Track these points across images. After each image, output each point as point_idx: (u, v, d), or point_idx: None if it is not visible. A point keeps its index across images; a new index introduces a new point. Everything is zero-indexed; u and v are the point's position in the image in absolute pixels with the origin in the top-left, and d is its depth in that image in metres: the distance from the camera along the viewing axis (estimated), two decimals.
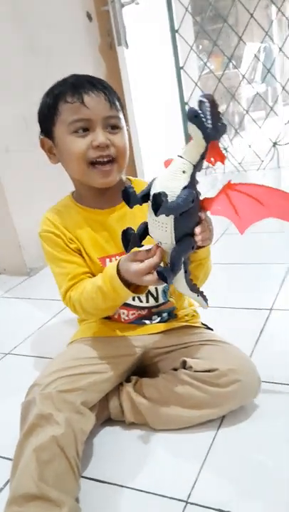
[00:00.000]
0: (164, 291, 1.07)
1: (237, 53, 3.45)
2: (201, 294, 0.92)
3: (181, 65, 3.12)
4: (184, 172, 0.76)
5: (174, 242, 0.80)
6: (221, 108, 3.70)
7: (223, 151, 0.78)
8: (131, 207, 0.81)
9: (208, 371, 0.94)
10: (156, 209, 0.74)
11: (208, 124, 0.72)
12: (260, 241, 2.01)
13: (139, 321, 1.08)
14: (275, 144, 3.10)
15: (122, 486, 0.87)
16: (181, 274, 0.85)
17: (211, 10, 3.12)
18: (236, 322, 1.35)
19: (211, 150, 0.76)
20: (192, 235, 0.81)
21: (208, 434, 0.95)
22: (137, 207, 1.04)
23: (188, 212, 0.78)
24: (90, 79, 1.00)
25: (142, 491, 0.85)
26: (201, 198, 0.82)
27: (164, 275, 0.81)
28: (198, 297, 0.91)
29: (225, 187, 0.80)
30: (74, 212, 1.06)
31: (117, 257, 1.02)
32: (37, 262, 2.07)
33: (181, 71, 3.13)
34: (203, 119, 0.72)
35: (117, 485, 0.87)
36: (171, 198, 0.75)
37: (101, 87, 0.98)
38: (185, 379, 0.95)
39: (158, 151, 2.70)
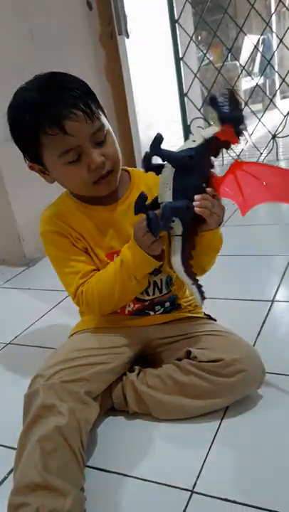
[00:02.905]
0: (167, 282, 1.06)
1: (235, 45, 3.43)
2: (196, 283, 0.93)
3: (180, 55, 3.10)
4: (194, 141, 0.85)
5: (172, 200, 0.86)
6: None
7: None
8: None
9: (213, 361, 0.94)
10: (151, 147, 0.82)
11: (224, 108, 0.84)
12: (259, 233, 2.02)
13: (142, 312, 1.08)
14: (274, 136, 3.09)
15: (126, 476, 0.87)
16: (177, 251, 0.89)
17: (211, 0, 3.09)
18: (238, 314, 1.35)
19: (226, 133, 0.85)
20: (191, 200, 0.87)
21: (212, 424, 0.94)
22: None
23: (187, 172, 0.85)
24: (60, 92, 0.89)
25: (146, 480, 0.85)
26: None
27: (150, 217, 0.86)
28: (192, 286, 0.92)
29: (233, 166, 0.87)
30: (75, 210, 1.03)
31: None
32: (36, 252, 2.06)
33: (181, 62, 3.11)
34: (220, 104, 0.84)
35: (122, 474, 0.87)
36: None
37: (74, 101, 0.88)
38: (189, 369, 0.95)
39: None
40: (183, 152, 0.85)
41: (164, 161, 0.85)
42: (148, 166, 0.87)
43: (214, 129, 0.86)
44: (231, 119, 0.85)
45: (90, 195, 1.00)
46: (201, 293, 0.94)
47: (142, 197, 0.89)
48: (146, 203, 0.90)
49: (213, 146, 0.87)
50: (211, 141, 0.86)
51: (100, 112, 0.95)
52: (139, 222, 0.91)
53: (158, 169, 0.87)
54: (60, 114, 0.87)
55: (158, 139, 0.82)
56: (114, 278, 0.96)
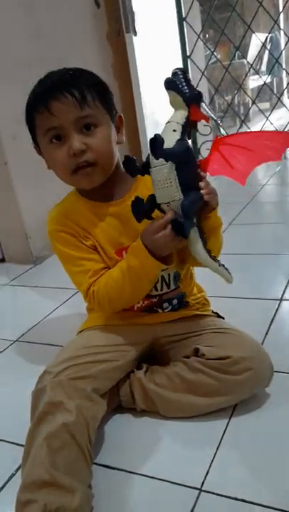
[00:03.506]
0: (175, 277, 1.06)
1: (243, 43, 3.41)
2: (221, 264, 0.94)
3: (188, 53, 3.08)
4: (174, 130, 0.84)
5: (182, 196, 0.85)
6: (227, 98, 3.69)
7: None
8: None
9: (221, 359, 0.93)
10: (154, 150, 0.80)
11: (184, 89, 0.84)
12: (267, 232, 2.01)
13: (150, 310, 1.07)
14: None
15: (134, 473, 0.86)
16: (198, 241, 0.89)
17: None
18: (246, 312, 1.34)
19: (194, 114, 0.86)
20: (198, 190, 0.86)
21: (220, 422, 0.94)
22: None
23: (188, 164, 0.84)
24: (62, 79, 0.94)
25: (154, 478, 0.85)
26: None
27: (181, 222, 0.85)
28: (219, 267, 0.93)
29: (215, 143, 0.88)
30: (82, 207, 1.03)
31: None
32: (43, 250, 2.06)
33: (188, 60, 3.10)
34: (180, 86, 0.84)
35: (130, 472, 0.87)
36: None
37: (68, 87, 0.91)
38: (197, 366, 0.95)
39: None
40: (176, 146, 0.83)
41: (166, 160, 0.83)
42: (133, 169, 0.89)
43: (182, 112, 0.86)
44: (195, 99, 0.86)
45: (72, 185, 1.02)
46: (227, 269, 0.95)
47: (138, 201, 0.90)
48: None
49: (188, 129, 0.87)
50: (187, 125, 0.86)
51: (100, 106, 0.95)
52: (156, 229, 0.89)
53: (143, 170, 0.87)
54: (50, 95, 0.91)
55: (160, 141, 0.82)
56: (122, 280, 0.96)
